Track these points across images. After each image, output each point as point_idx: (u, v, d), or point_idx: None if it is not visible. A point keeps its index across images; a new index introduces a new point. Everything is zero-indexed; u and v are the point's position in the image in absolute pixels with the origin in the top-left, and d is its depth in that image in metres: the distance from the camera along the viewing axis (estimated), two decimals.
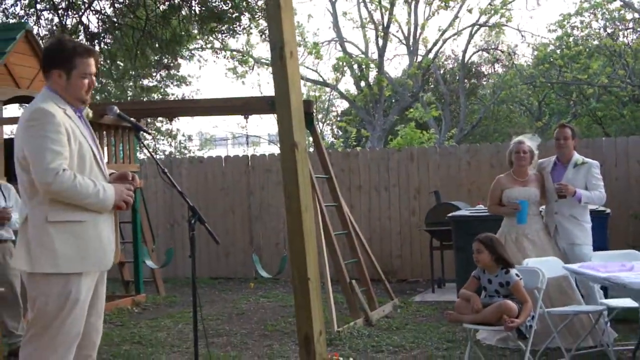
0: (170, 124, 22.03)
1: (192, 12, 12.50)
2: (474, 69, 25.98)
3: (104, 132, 8.32)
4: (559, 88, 22.30)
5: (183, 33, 12.68)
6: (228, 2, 12.14)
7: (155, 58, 13.94)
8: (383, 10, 23.13)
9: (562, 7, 32.77)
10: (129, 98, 18.87)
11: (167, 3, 12.54)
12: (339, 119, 27.93)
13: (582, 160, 6.27)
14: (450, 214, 8.21)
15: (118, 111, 3.99)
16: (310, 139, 8.29)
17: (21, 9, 12.78)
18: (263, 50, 25.56)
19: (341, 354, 5.55)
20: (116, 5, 12.67)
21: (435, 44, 23.83)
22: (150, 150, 4.35)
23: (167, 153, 23.01)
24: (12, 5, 12.74)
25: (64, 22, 12.31)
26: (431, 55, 23.74)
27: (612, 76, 20.18)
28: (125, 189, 3.63)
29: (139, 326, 7.60)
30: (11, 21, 12.34)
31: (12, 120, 8.39)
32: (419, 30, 23.71)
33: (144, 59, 13.31)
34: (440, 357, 5.85)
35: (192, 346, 4.39)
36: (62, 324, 3.46)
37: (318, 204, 7.24)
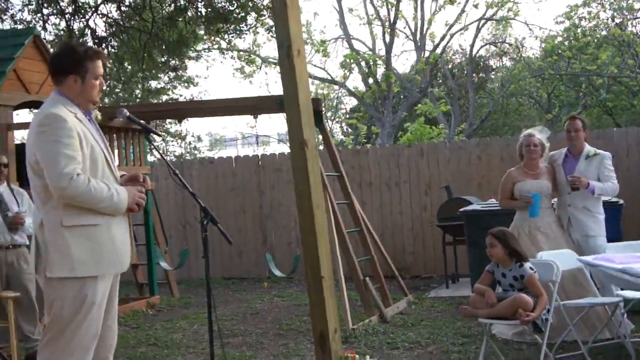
0: (180, 126, 22.08)
1: (198, 13, 12.52)
2: (482, 63, 25.89)
3: (114, 135, 8.34)
4: (568, 80, 22.20)
5: (189, 34, 12.71)
6: (234, 2, 12.15)
7: (162, 60, 13.97)
8: (389, 6, 23.10)
9: None
10: (137, 101, 18.92)
11: (173, 5, 12.56)
12: (348, 116, 27.91)
13: (594, 151, 6.23)
14: (462, 209, 8.18)
15: (128, 114, 4.00)
16: (320, 137, 8.29)
17: (28, 13, 12.84)
18: (270, 49, 25.59)
19: (357, 352, 5.53)
20: (122, 8, 12.70)
21: (442, 38, 23.80)
22: (161, 152, 4.35)
23: (177, 154, 23.07)
24: (19, 11, 12.82)
25: (71, 27, 12.36)
26: (439, 50, 23.69)
27: (621, 66, 20.07)
28: (137, 192, 3.64)
29: (154, 328, 7.62)
30: (19, 27, 12.40)
31: (23, 126, 8.43)
32: (425, 26, 23.67)
33: (151, 61, 13.35)
34: (456, 352, 5.83)
35: (207, 347, 4.40)
36: (78, 328, 3.47)
37: (329, 201, 7.24)
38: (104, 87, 3.85)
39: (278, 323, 7.53)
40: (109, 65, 12.38)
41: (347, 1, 30.17)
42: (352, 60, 23.74)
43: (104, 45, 12.31)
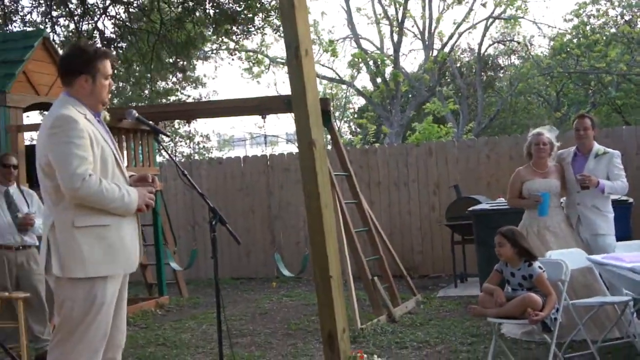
0: (188, 126, 22.11)
1: (206, 14, 12.55)
2: (490, 62, 25.82)
3: (123, 136, 8.37)
4: (577, 77, 22.10)
5: (197, 36, 12.74)
6: (241, 3, 12.17)
7: (170, 61, 14.01)
8: (397, 6, 23.08)
9: None
10: (145, 102, 18.98)
11: (181, 6, 12.59)
12: (356, 115, 27.90)
13: (604, 150, 6.21)
14: (470, 208, 8.17)
15: (137, 115, 4.02)
16: (328, 136, 8.29)
17: (37, 15, 12.90)
18: (278, 49, 25.59)
19: (365, 351, 5.53)
20: (130, 10, 12.75)
21: (450, 37, 23.76)
22: (169, 152, 4.36)
23: (185, 154, 23.11)
24: (28, 13, 12.88)
25: (79, 29, 12.41)
26: (447, 49, 23.64)
27: (630, 64, 19.97)
28: (147, 192, 3.66)
29: (163, 328, 7.64)
30: (28, 29, 12.46)
31: (33, 127, 8.48)
32: (434, 25, 23.64)
33: (160, 62, 13.39)
34: (464, 351, 5.83)
35: (216, 347, 4.41)
36: (88, 329, 3.49)
37: (338, 201, 7.24)
38: (112, 88, 3.87)
39: (286, 323, 7.54)
40: (117, 66, 12.45)
41: (355, 1, 30.14)
42: (360, 60, 23.74)
43: (112, 47, 12.36)
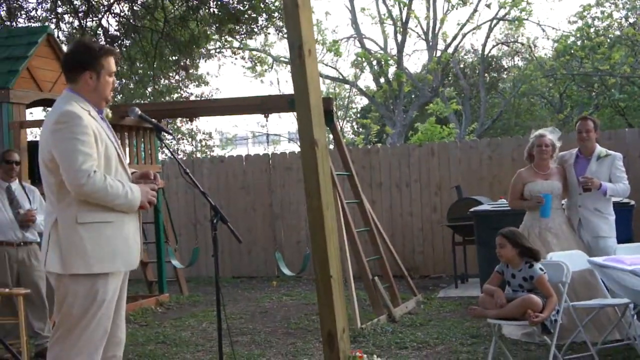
0: (191, 124, 22.12)
1: (210, 13, 12.56)
2: (494, 63, 25.81)
3: (126, 134, 8.38)
4: (580, 80, 22.08)
5: (201, 34, 12.75)
6: (245, 3, 12.18)
7: (174, 58, 14.03)
8: (401, 6, 23.07)
9: None
10: (149, 99, 18.99)
11: (185, 5, 12.60)
12: (359, 115, 27.90)
13: (606, 152, 6.21)
14: (472, 209, 8.17)
15: (139, 112, 4.02)
16: (331, 136, 8.29)
17: (43, 11, 12.92)
18: (281, 48, 25.62)
19: (365, 351, 5.54)
20: (135, 7, 12.76)
21: (454, 38, 23.74)
22: (172, 150, 4.37)
23: (188, 152, 23.12)
24: (33, 9, 12.89)
25: (84, 26, 12.43)
26: (450, 50, 23.63)
27: (634, 66, 19.94)
28: (149, 189, 3.66)
29: (163, 326, 7.65)
30: (33, 25, 12.48)
31: (36, 123, 8.49)
32: (437, 25, 23.62)
33: (162, 61, 13.40)
34: (464, 352, 5.83)
35: (216, 345, 4.42)
36: (88, 325, 3.49)
37: (339, 201, 7.24)
38: (115, 85, 3.88)
39: (287, 322, 7.55)
40: (121, 64, 12.46)
41: (359, 0, 30.21)
42: (363, 60, 23.73)
43: (116, 45, 12.37)
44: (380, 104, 23.73)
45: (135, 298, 8.79)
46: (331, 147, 9.68)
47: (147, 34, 12.84)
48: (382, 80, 23.70)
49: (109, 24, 14.02)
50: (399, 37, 23.40)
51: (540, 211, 6.13)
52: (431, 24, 23.67)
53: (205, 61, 18.40)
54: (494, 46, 25.41)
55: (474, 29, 23.91)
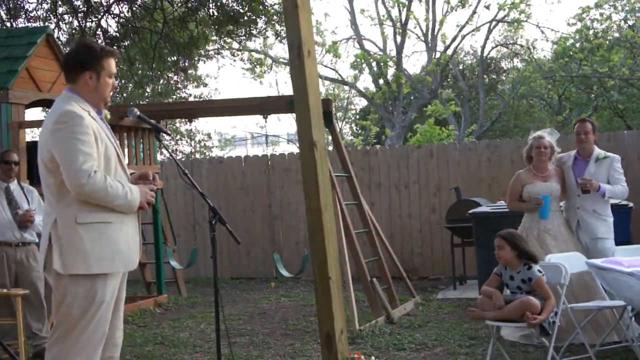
0: (190, 125, 22.12)
1: (209, 15, 12.55)
2: (493, 65, 25.83)
3: (125, 134, 8.38)
4: (579, 81, 22.10)
5: (200, 36, 12.75)
6: (245, 5, 12.18)
7: (173, 59, 14.02)
8: (401, 7, 23.08)
9: (582, 0, 32.47)
10: (147, 100, 18.99)
11: (184, 6, 12.61)
12: (358, 117, 27.91)
13: (604, 154, 6.22)
14: (471, 211, 8.17)
15: (138, 113, 4.02)
16: (330, 137, 8.29)
17: (43, 12, 12.91)
18: (280, 49, 25.61)
19: (363, 352, 5.54)
20: (134, 8, 12.76)
21: (453, 40, 23.74)
22: (170, 151, 4.37)
23: (186, 153, 23.11)
24: (33, 9, 12.89)
25: (83, 26, 12.42)
26: (450, 52, 23.64)
27: (633, 68, 19.96)
28: (148, 190, 3.66)
29: (162, 327, 7.65)
30: (32, 25, 12.47)
31: (34, 124, 8.48)
32: (437, 27, 23.62)
33: (162, 62, 13.40)
34: (463, 354, 5.83)
35: (214, 346, 4.42)
36: (87, 326, 3.49)
37: (338, 202, 7.24)
38: (115, 86, 3.88)
39: (285, 323, 7.54)
40: (120, 65, 12.46)
41: (358, 2, 30.17)
42: (362, 61, 23.74)
43: (115, 45, 12.37)
44: (380, 105, 23.74)
45: (133, 299, 8.79)
46: (330, 148, 9.67)
47: (147, 35, 12.84)
48: (381, 81, 23.71)
49: (108, 24, 14.01)
50: (398, 39, 23.41)
51: (539, 213, 6.13)
52: (430, 26, 23.69)
53: (205, 62, 18.39)
54: (493, 48, 25.45)
55: (473, 30, 23.95)
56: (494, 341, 5.17)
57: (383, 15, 23.94)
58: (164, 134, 4.12)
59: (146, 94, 17.66)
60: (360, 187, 8.43)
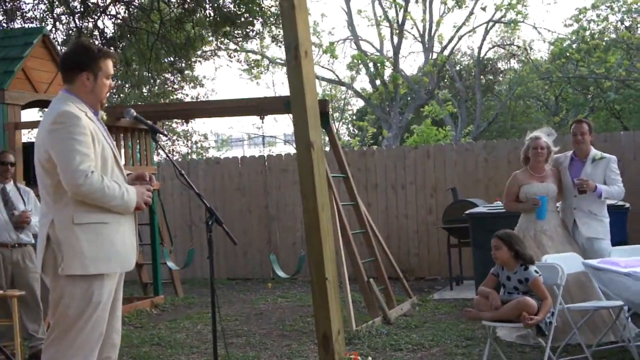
0: (186, 126, 22.09)
1: (206, 15, 12.55)
2: (489, 65, 25.86)
3: (121, 135, 8.37)
4: (576, 82, 22.14)
5: (197, 37, 12.75)
6: (242, 6, 12.19)
7: (169, 60, 14.02)
8: (398, 8, 23.09)
9: (579, 1, 32.55)
10: (144, 101, 18.96)
11: (181, 7, 12.61)
12: (354, 117, 27.92)
13: (600, 155, 6.23)
14: (467, 211, 8.17)
15: (135, 114, 4.02)
16: (327, 138, 8.30)
17: (40, 12, 12.90)
18: (278, 50, 25.60)
19: (360, 353, 5.54)
20: (131, 9, 12.75)
21: (450, 40, 23.77)
22: (167, 151, 4.36)
23: (183, 154, 23.09)
24: (29, 10, 12.88)
25: (80, 27, 12.41)
26: (446, 52, 23.66)
27: (630, 69, 20.00)
28: (145, 190, 3.66)
29: (158, 328, 7.64)
30: (28, 26, 12.46)
31: (31, 125, 8.47)
32: (434, 27, 23.65)
33: (158, 63, 13.39)
34: (459, 354, 5.83)
35: (211, 347, 4.41)
36: (84, 327, 3.49)
37: (335, 203, 7.24)
38: (112, 88, 3.87)
39: (282, 324, 7.54)
40: (117, 66, 12.45)
41: (355, 2, 30.13)
42: (359, 62, 23.74)
43: (112, 47, 12.37)
44: (376, 106, 23.75)
45: (130, 300, 8.78)
46: (327, 149, 9.67)
47: (143, 35, 12.84)
48: (378, 82, 23.71)
49: (104, 25, 14.01)
50: (395, 39, 23.42)
51: (536, 213, 6.14)
52: (427, 27, 23.71)
53: (201, 63, 18.39)
54: (490, 49, 25.48)
55: (470, 31, 23.97)
56: (491, 342, 5.17)
57: (380, 16, 23.96)
58: (160, 135, 4.12)
59: (143, 94, 17.63)
60: (357, 188, 8.43)
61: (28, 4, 21.40)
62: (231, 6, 12.44)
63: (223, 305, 8.56)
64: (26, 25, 12.47)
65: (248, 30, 13.00)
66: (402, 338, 6.50)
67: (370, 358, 5.51)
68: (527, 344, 5.85)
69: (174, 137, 22.38)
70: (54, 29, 12.61)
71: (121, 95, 18.39)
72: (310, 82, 5.03)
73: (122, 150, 8.36)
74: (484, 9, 22.76)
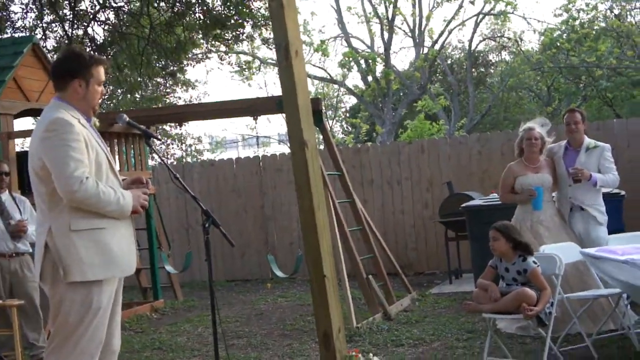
0: (180, 129, 22.06)
1: (196, 19, 12.54)
2: (481, 58, 25.88)
3: (115, 140, 8.36)
4: (568, 72, 22.17)
5: (187, 40, 12.73)
6: (232, 9, 12.17)
7: (161, 64, 14.00)
8: (387, 4, 23.08)
9: None
10: (137, 106, 18.93)
11: (170, 11, 12.59)
12: (348, 115, 27.91)
13: (594, 143, 6.24)
14: (464, 204, 8.18)
15: (128, 119, 4.01)
16: (321, 136, 8.30)
17: (28, 21, 12.87)
18: (269, 50, 25.60)
19: (361, 350, 5.54)
20: (120, 14, 12.73)
21: (441, 34, 23.77)
22: (161, 155, 4.36)
23: (177, 157, 23.06)
24: (19, 19, 12.84)
25: (70, 34, 12.39)
26: (437, 47, 23.67)
27: (620, 57, 20.04)
28: (141, 193, 3.66)
29: (159, 332, 7.63)
30: (18, 35, 12.42)
31: (23, 134, 8.45)
32: (424, 22, 23.65)
33: (150, 67, 13.37)
34: (460, 348, 5.84)
35: (212, 349, 4.42)
36: (84, 334, 3.48)
37: (331, 201, 7.24)
38: (104, 95, 3.86)
39: (282, 323, 7.54)
40: (108, 72, 12.42)
41: (345, 0, 29.98)
42: (351, 59, 23.74)
43: (103, 53, 12.35)
44: (369, 102, 23.75)
45: (129, 305, 8.77)
46: (321, 147, 9.68)
47: (134, 40, 12.82)
48: (370, 79, 23.72)
49: (94, 32, 13.96)
50: (386, 35, 23.41)
51: (532, 204, 6.15)
52: (417, 21, 23.71)
53: (193, 66, 18.36)
54: (480, 41, 25.50)
55: (460, 25, 23.97)
56: (491, 334, 5.18)
57: (370, 13, 23.95)
58: (154, 139, 4.11)
59: (136, 99, 17.60)
60: (352, 185, 8.43)
61: (17, 13, 21.31)
62: (220, 9, 12.43)
63: (223, 307, 8.56)
64: (16, 35, 12.44)
65: (238, 32, 12.99)
66: (403, 333, 6.51)
67: (371, 355, 5.51)
68: (527, 335, 5.86)
69: (168, 141, 22.36)
70: (43, 37, 12.58)
71: (114, 101, 18.37)
72: (301, 81, 5.02)
73: (117, 156, 8.35)
74: (472, 2, 22.76)
